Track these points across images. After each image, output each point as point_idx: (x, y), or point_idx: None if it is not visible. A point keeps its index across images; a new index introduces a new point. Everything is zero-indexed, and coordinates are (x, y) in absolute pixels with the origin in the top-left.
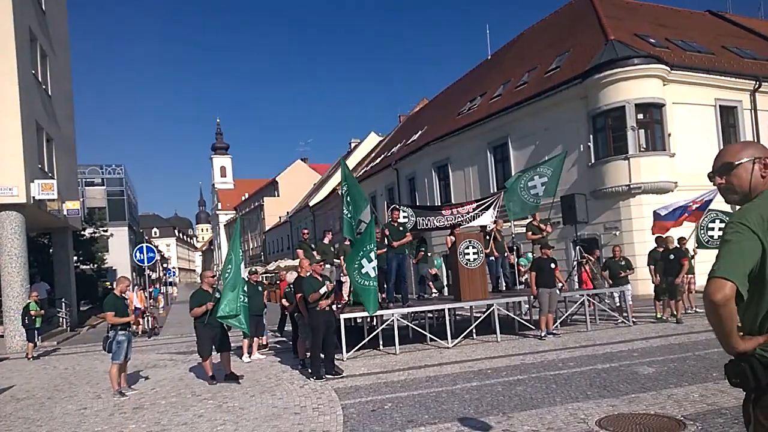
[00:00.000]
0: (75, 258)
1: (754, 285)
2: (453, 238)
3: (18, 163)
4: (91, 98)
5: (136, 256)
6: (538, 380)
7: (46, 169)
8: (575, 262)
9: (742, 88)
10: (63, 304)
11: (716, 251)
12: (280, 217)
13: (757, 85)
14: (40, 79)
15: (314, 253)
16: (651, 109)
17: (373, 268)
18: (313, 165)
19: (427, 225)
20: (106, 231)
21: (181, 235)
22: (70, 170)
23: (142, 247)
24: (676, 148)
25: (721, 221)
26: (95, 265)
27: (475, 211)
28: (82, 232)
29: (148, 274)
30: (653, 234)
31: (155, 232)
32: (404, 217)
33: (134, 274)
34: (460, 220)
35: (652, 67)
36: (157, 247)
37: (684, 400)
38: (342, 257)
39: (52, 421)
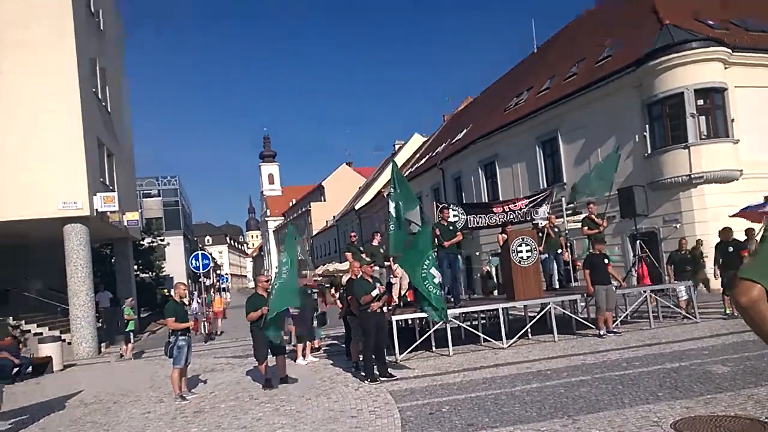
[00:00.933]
0: (135, 267)
1: None
2: (505, 236)
3: (82, 178)
4: (144, 111)
5: (191, 264)
6: (602, 381)
7: (107, 183)
8: (635, 258)
9: None
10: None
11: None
12: (327, 222)
13: None
14: (99, 97)
15: (363, 255)
16: (712, 94)
17: (440, 273)
18: (357, 168)
19: (478, 223)
20: (163, 240)
21: (232, 242)
22: (129, 182)
23: (198, 254)
24: (740, 134)
25: None
26: (154, 273)
27: (528, 207)
28: (141, 242)
29: (203, 281)
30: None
31: (208, 240)
32: (454, 216)
33: (189, 280)
34: (512, 217)
35: (712, 50)
36: (210, 254)
37: (766, 401)
38: (392, 258)
39: (118, 426)
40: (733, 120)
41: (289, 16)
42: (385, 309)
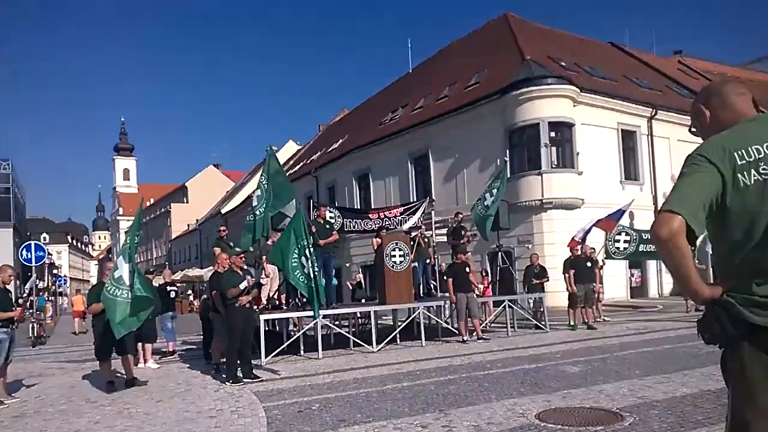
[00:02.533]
0: None
1: (715, 222)
2: (379, 240)
3: None
4: None
5: (22, 255)
6: (469, 380)
7: None
8: (498, 268)
9: (641, 115)
10: None
11: (624, 262)
12: (188, 225)
13: (653, 113)
14: None
15: (235, 250)
16: (562, 127)
17: (313, 265)
18: (226, 172)
19: (353, 227)
20: None
21: (75, 242)
22: None
23: (30, 245)
24: (583, 167)
25: (627, 234)
26: None
27: (402, 215)
28: None
29: (34, 284)
30: (568, 246)
31: (45, 238)
32: (330, 216)
33: (18, 282)
34: (387, 224)
35: (564, 88)
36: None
37: (615, 395)
38: (264, 257)
39: None
40: (578, 153)
41: (170, 11)
42: (255, 307)
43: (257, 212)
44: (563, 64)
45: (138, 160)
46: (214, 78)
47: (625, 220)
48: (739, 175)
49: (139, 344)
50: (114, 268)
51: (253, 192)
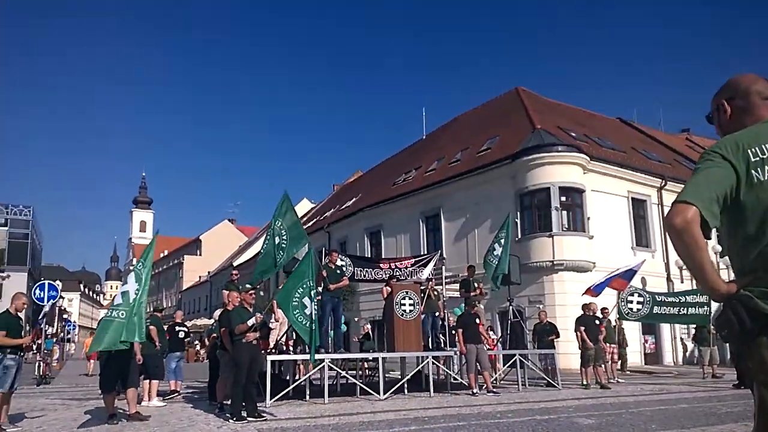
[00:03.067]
0: None
1: (730, 218)
2: (389, 288)
3: None
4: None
5: (34, 294)
6: (478, 426)
7: None
8: (509, 323)
9: (650, 185)
10: None
11: (638, 327)
12: (200, 277)
13: (663, 183)
14: None
15: (246, 287)
16: (573, 193)
17: (315, 307)
18: (240, 227)
19: (365, 276)
20: (3, 272)
21: (86, 290)
22: None
23: (43, 284)
24: (594, 231)
25: (640, 295)
26: None
27: (413, 267)
28: None
29: (44, 327)
30: (583, 295)
31: (58, 285)
32: (341, 262)
33: (28, 326)
34: (398, 274)
35: (574, 155)
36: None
37: None
38: (274, 302)
39: None
40: (588, 218)
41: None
42: (262, 344)
43: (277, 254)
44: (573, 134)
45: (155, 214)
46: (236, 140)
47: (637, 284)
48: (753, 171)
49: (145, 381)
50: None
51: (267, 233)
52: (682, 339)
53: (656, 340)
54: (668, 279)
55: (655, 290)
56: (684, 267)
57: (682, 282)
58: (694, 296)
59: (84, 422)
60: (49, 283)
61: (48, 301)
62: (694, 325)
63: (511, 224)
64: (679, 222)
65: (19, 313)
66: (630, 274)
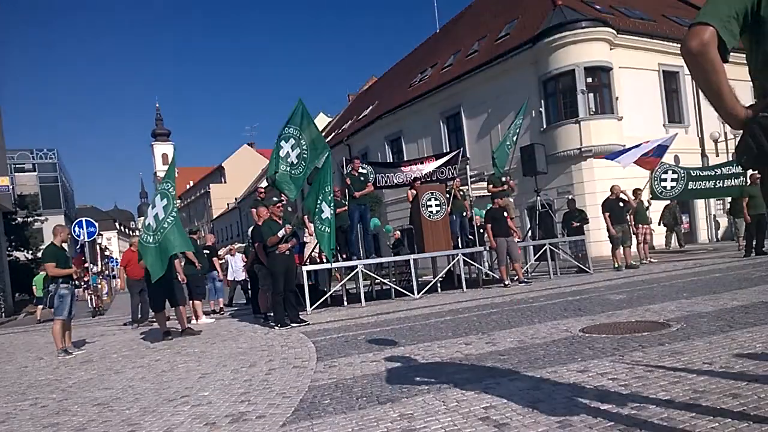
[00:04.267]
0: (7, 243)
1: (751, 35)
2: (414, 191)
3: None
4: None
5: (74, 231)
6: (511, 311)
7: None
8: (538, 213)
9: None
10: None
11: (670, 201)
12: (228, 204)
13: None
14: None
15: (272, 200)
16: (599, 72)
17: (331, 212)
18: (260, 150)
19: (386, 182)
20: (41, 215)
21: (122, 228)
22: None
23: (81, 221)
24: (623, 112)
25: (674, 172)
26: (30, 252)
27: (437, 168)
28: (14, 216)
29: (87, 266)
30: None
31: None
32: (363, 169)
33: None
34: (420, 176)
35: (600, 30)
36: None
37: (662, 311)
38: (306, 216)
39: None
40: (617, 98)
41: None
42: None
43: (299, 167)
44: (597, 7)
45: (175, 145)
46: (243, 57)
47: (669, 162)
48: None
49: (190, 302)
50: (145, 216)
51: (281, 139)
52: (715, 216)
53: (690, 219)
54: (702, 154)
55: (689, 166)
56: (718, 138)
57: (717, 156)
58: (730, 168)
59: (141, 340)
60: (86, 220)
61: (89, 238)
62: (729, 198)
63: (525, 108)
64: (695, 45)
65: (64, 245)
66: (661, 150)
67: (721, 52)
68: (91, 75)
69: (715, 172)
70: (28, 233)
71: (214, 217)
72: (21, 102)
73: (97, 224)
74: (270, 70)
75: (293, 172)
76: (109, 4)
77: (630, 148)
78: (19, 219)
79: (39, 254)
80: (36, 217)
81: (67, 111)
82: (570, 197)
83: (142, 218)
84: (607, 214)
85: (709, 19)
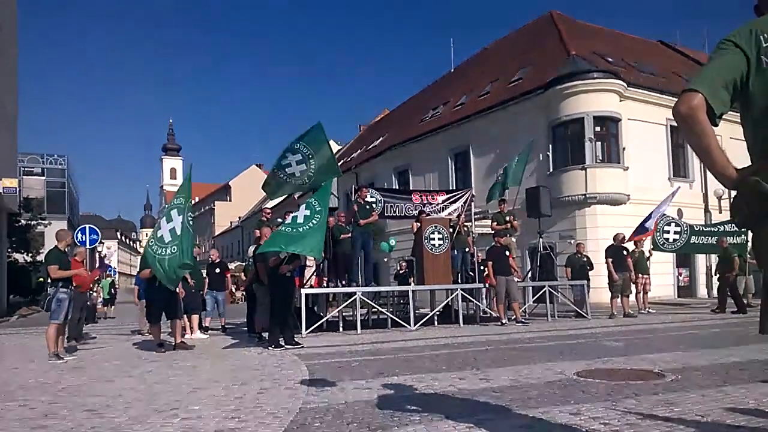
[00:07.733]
0: (7, 245)
1: (741, 104)
2: (419, 223)
3: None
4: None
5: (76, 237)
6: (507, 349)
7: None
8: (539, 254)
9: None
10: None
11: (671, 259)
12: (231, 222)
13: None
14: None
15: (276, 221)
16: (608, 122)
17: (305, 215)
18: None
19: (394, 211)
20: (44, 219)
21: (123, 238)
22: (9, 147)
23: (84, 227)
24: (629, 163)
25: (677, 224)
26: (30, 255)
27: (445, 203)
28: (18, 218)
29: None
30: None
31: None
32: (371, 197)
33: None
34: (428, 209)
35: (610, 82)
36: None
37: (658, 361)
38: None
39: None
40: (624, 148)
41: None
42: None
43: (297, 179)
44: (610, 60)
45: (184, 160)
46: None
47: (672, 215)
48: (762, 56)
49: (192, 317)
50: (156, 227)
51: (287, 151)
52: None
53: (690, 272)
54: (706, 210)
55: (692, 221)
56: (722, 195)
57: (720, 212)
58: (732, 225)
59: (134, 350)
60: (89, 227)
61: (90, 245)
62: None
63: (530, 150)
64: (684, 109)
65: (66, 249)
66: (663, 206)
67: (710, 117)
68: (108, 84)
69: (717, 228)
70: (29, 236)
71: (216, 234)
72: (37, 105)
73: (99, 232)
74: (286, 94)
75: (288, 180)
76: (139, 17)
77: (650, 214)
78: (22, 221)
79: (38, 257)
80: (39, 221)
81: (82, 118)
82: (571, 242)
83: (151, 229)
84: (610, 260)
85: (698, 86)
